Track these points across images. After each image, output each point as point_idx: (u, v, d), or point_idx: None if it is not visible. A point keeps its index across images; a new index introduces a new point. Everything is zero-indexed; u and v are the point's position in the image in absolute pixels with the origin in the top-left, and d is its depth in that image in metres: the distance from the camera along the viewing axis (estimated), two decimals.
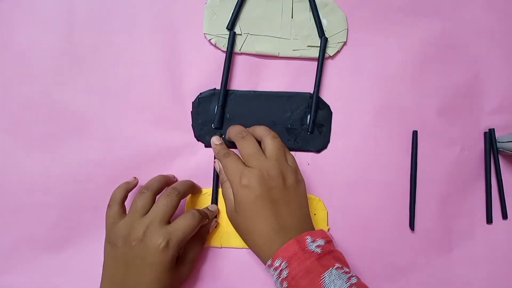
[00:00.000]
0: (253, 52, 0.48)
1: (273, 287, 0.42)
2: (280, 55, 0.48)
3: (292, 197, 0.42)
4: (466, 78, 0.50)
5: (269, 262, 0.39)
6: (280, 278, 0.38)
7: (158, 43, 0.48)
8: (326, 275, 0.36)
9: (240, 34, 0.48)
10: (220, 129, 0.48)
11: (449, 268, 0.49)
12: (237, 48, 0.48)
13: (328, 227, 0.48)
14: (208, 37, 0.48)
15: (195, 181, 0.47)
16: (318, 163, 0.49)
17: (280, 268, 0.38)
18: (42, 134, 0.47)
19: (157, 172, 0.47)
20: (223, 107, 0.48)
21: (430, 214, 0.49)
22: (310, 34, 0.48)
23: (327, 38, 0.48)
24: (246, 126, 0.48)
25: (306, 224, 0.42)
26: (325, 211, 0.48)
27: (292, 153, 0.49)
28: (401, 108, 0.50)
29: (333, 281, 0.36)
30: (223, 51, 0.48)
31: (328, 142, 0.49)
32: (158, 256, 0.38)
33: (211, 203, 0.48)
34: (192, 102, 0.48)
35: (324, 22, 0.49)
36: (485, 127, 0.51)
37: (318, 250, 0.38)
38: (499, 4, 0.50)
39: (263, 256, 0.40)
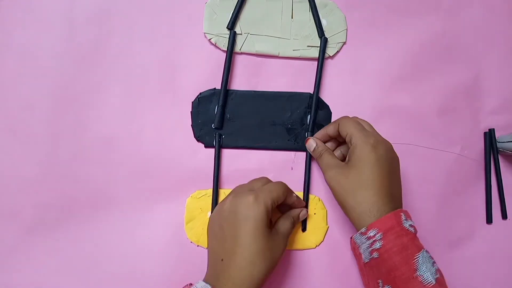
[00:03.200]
0: (253, 52, 0.48)
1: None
2: (280, 55, 0.48)
3: (399, 170, 0.44)
4: (466, 78, 0.50)
5: (362, 230, 0.40)
6: (371, 248, 0.40)
7: (158, 43, 0.48)
8: (420, 256, 0.39)
9: (240, 34, 0.48)
10: (220, 129, 0.48)
11: (449, 268, 0.48)
12: (237, 48, 0.48)
13: (327, 226, 0.48)
14: (208, 37, 0.48)
15: (195, 181, 0.47)
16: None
17: (374, 239, 0.39)
18: (42, 134, 0.47)
19: (157, 172, 0.47)
20: (223, 107, 0.48)
21: (430, 214, 0.49)
22: (310, 34, 0.49)
23: (327, 38, 0.48)
24: (246, 126, 0.48)
25: (401, 199, 0.43)
26: (324, 210, 0.48)
27: (292, 153, 0.49)
28: (401, 108, 0.50)
29: (424, 263, 0.39)
30: (223, 50, 0.48)
31: None
32: (249, 209, 0.39)
33: (212, 204, 0.47)
34: (192, 102, 0.48)
35: (323, 22, 0.49)
36: (485, 127, 0.51)
37: (412, 229, 0.40)
38: (499, 4, 0.51)
39: (358, 219, 0.41)
